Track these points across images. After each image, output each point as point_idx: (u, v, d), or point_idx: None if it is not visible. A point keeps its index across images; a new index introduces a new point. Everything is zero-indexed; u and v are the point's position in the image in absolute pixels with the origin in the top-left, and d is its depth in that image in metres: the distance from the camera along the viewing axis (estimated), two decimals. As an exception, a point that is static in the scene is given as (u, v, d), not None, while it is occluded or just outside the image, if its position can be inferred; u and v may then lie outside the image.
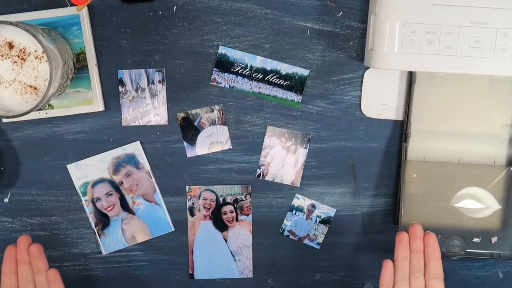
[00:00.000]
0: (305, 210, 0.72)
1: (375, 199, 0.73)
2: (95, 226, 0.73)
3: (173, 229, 0.74)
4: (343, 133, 0.72)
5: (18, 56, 0.61)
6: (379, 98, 0.71)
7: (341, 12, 0.70)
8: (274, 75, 0.68)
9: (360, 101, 0.71)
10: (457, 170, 0.71)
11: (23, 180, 0.73)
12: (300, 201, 0.72)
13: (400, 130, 0.72)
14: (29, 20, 0.68)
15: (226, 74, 0.69)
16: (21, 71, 0.61)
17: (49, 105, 0.70)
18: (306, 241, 0.73)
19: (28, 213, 0.73)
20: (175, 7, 0.69)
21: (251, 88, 0.69)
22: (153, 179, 0.72)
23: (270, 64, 0.69)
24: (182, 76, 0.71)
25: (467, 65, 0.63)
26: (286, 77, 0.70)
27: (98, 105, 0.70)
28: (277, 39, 0.70)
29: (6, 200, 0.73)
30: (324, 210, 0.73)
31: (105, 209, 0.73)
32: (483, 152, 0.71)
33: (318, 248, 0.74)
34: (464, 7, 0.62)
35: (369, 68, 0.70)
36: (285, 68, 0.70)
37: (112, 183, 0.72)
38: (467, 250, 0.71)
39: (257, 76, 0.68)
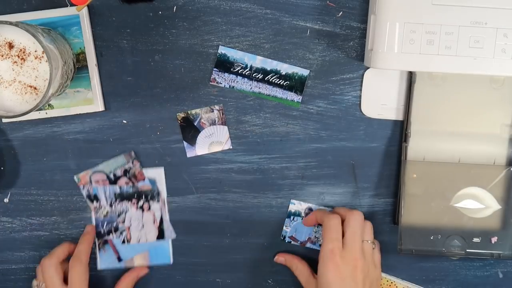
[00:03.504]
0: (303, 214, 0.72)
1: (375, 199, 0.73)
2: (97, 239, 0.73)
3: (171, 263, 0.74)
4: (343, 133, 0.72)
5: (18, 56, 0.61)
6: (379, 98, 0.71)
7: (341, 12, 0.70)
8: (274, 75, 0.68)
9: (360, 101, 0.71)
10: (457, 170, 0.71)
11: (23, 180, 0.73)
12: (296, 206, 0.72)
13: (400, 130, 0.72)
14: (29, 20, 0.68)
15: (226, 74, 0.69)
16: (21, 71, 0.61)
17: (49, 105, 0.70)
18: (308, 245, 0.73)
19: (28, 213, 0.73)
20: (175, 7, 0.69)
21: (251, 88, 0.69)
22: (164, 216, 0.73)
23: (270, 64, 0.69)
24: (182, 76, 0.71)
25: (467, 65, 0.63)
26: (286, 77, 0.70)
27: (98, 105, 0.70)
28: (277, 39, 0.70)
29: (6, 200, 0.73)
30: None
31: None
32: (483, 152, 0.71)
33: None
34: (464, 7, 0.62)
35: (369, 68, 0.70)
36: (285, 68, 0.70)
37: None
38: (467, 250, 0.71)
39: (257, 76, 0.68)
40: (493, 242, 0.71)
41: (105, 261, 0.74)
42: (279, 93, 0.70)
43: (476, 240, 0.71)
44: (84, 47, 0.69)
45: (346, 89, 0.71)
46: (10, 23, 0.59)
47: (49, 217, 0.74)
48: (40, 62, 0.61)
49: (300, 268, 0.71)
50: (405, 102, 0.71)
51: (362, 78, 0.71)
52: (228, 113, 0.71)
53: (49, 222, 0.74)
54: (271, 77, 0.69)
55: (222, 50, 0.69)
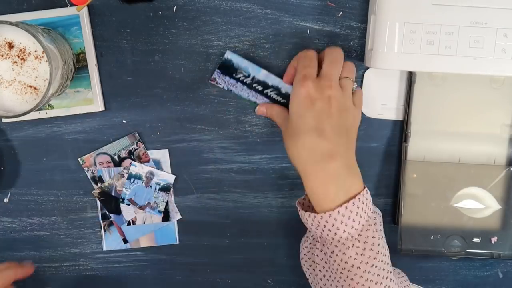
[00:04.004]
0: (144, 178, 0.72)
1: (375, 199, 0.73)
2: (102, 221, 0.73)
3: (178, 242, 0.74)
4: (343, 133, 0.72)
5: (18, 56, 0.61)
6: (379, 98, 0.71)
7: (341, 12, 0.70)
8: (274, 91, 0.69)
9: (360, 101, 0.71)
10: (457, 170, 0.71)
11: (23, 180, 0.73)
12: (138, 168, 0.71)
13: (400, 130, 0.72)
14: (29, 20, 0.68)
15: (227, 78, 0.69)
16: (21, 71, 0.61)
17: (49, 105, 0.70)
18: (147, 210, 0.73)
19: (28, 213, 0.74)
20: (175, 7, 0.69)
21: (248, 96, 0.69)
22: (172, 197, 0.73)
23: (273, 80, 0.69)
24: (182, 76, 0.71)
25: (467, 65, 0.63)
26: (285, 96, 0.69)
27: (98, 105, 0.70)
28: (277, 39, 0.70)
29: (6, 200, 0.73)
30: (163, 177, 0.72)
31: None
32: (483, 152, 0.71)
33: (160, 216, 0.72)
34: (464, 7, 0.62)
35: (369, 68, 0.70)
36: (286, 87, 0.69)
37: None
38: (467, 250, 0.71)
39: (256, 87, 0.68)
40: (493, 242, 0.71)
41: (111, 243, 0.74)
42: None
43: (476, 240, 0.71)
44: (84, 47, 0.69)
45: (346, 89, 0.71)
46: (10, 23, 0.59)
47: (49, 217, 0.74)
48: (40, 62, 0.61)
49: (277, 110, 0.67)
50: (405, 102, 0.71)
51: (362, 78, 0.71)
52: (228, 113, 0.71)
53: (49, 222, 0.74)
54: (271, 91, 0.69)
55: (229, 55, 0.68)
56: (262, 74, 0.68)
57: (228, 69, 0.68)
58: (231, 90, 0.68)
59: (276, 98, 0.68)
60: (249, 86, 0.68)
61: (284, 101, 0.68)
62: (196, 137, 0.72)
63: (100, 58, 0.70)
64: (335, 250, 0.59)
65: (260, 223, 0.74)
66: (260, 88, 0.68)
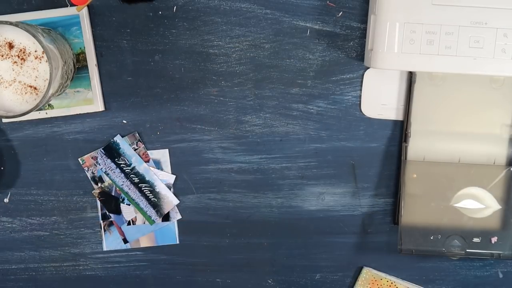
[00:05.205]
0: None
1: (375, 199, 0.73)
2: (102, 221, 0.73)
3: (178, 242, 0.74)
4: (343, 133, 0.72)
5: (18, 56, 0.61)
6: (379, 98, 0.71)
7: (341, 12, 0.70)
8: (148, 187, 0.71)
9: (360, 101, 0.71)
10: (457, 170, 0.71)
11: (23, 180, 0.73)
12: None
13: (400, 130, 0.72)
14: (29, 20, 0.68)
15: (109, 161, 0.71)
16: (21, 71, 0.61)
17: (49, 105, 0.70)
18: None
19: (28, 213, 0.74)
20: (175, 7, 0.70)
21: (122, 184, 0.71)
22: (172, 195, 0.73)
23: (151, 176, 0.71)
24: (182, 76, 0.71)
25: (467, 65, 0.63)
26: (156, 195, 0.71)
27: (98, 105, 0.70)
28: (277, 39, 0.70)
29: (6, 200, 0.73)
30: (163, 177, 0.73)
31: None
32: (483, 152, 0.71)
33: None
34: (464, 7, 0.62)
35: (369, 68, 0.70)
36: (161, 187, 0.71)
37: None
38: (467, 250, 0.71)
39: (133, 178, 0.71)
40: (493, 242, 0.71)
41: (111, 243, 0.74)
42: (142, 203, 0.72)
43: (476, 240, 0.71)
44: (84, 47, 0.69)
45: (346, 89, 0.71)
46: (10, 23, 0.59)
47: (49, 217, 0.74)
48: (40, 62, 0.61)
49: None
50: (405, 102, 0.71)
51: (362, 78, 0.71)
52: (228, 113, 0.71)
53: (49, 222, 0.74)
54: (145, 186, 0.71)
55: (118, 139, 0.71)
56: (142, 167, 0.70)
57: (113, 152, 0.70)
58: (107, 174, 0.70)
59: (148, 195, 0.70)
60: (126, 175, 0.70)
61: (154, 199, 0.70)
62: (196, 137, 0.72)
63: (100, 58, 0.70)
64: None
65: (260, 223, 0.74)
66: (136, 180, 0.70)
